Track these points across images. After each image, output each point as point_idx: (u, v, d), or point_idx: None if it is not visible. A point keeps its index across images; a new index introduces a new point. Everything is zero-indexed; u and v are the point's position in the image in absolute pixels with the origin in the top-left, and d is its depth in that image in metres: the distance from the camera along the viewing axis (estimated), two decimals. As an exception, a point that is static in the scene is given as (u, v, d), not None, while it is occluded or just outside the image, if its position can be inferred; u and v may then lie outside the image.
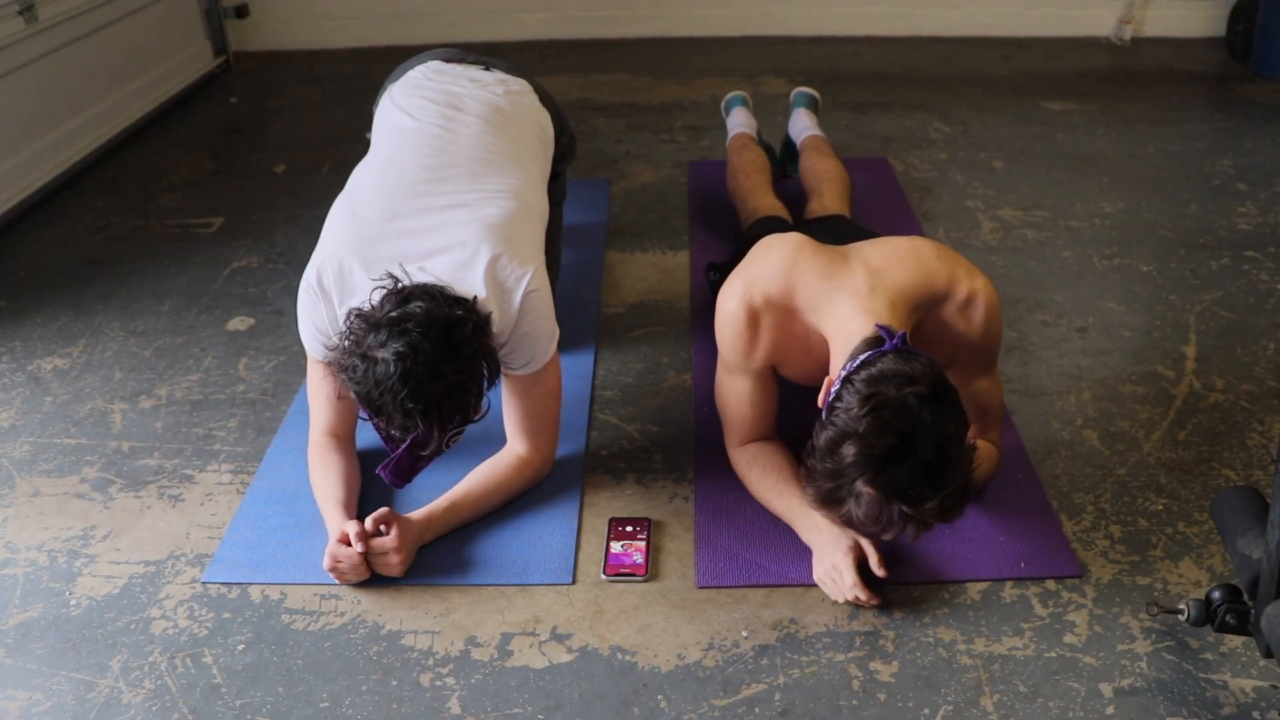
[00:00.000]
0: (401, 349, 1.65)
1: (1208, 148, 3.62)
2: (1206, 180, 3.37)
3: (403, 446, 1.75)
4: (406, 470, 1.79)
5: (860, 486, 1.59)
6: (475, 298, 1.80)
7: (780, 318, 1.87)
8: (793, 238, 1.92)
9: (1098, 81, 4.32)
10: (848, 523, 1.68)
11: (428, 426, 1.69)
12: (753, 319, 1.88)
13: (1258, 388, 2.34)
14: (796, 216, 2.74)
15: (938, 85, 4.30)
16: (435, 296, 1.73)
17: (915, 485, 1.57)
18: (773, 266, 1.87)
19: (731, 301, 1.89)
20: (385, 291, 1.74)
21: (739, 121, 3.23)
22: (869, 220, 2.82)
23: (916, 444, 1.57)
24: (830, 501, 1.64)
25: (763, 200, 2.76)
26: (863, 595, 1.75)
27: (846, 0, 4.93)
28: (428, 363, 1.66)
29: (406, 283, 1.76)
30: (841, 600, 1.78)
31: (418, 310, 1.69)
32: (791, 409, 2.05)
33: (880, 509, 1.60)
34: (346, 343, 1.72)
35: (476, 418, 1.79)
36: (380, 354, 1.66)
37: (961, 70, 4.50)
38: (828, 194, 2.76)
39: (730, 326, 1.90)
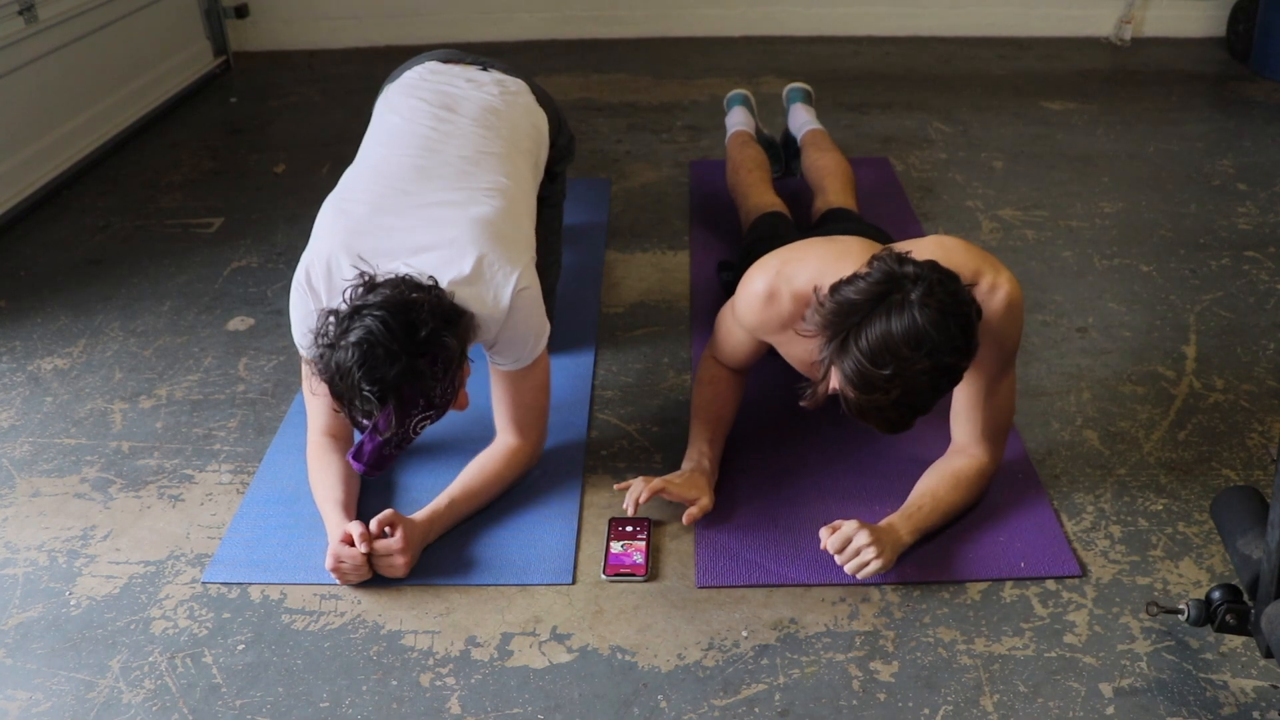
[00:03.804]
0: (360, 335, 1.67)
1: (1208, 148, 3.62)
2: (1206, 180, 3.37)
3: (367, 433, 1.75)
4: (374, 459, 1.78)
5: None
6: (435, 280, 1.80)
7: (800, 308, 1.86)
8: (849, 240, 1.94)
9: (1098, 81, 4.32)
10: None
11: (388, 411, 1.70)
12: (770, 301, 1.89)
13: (1258, 388, 2.33)
14: (801, 215, 2.74)
15: (938, 85, 4.30)
16: (398, 284, 1.74)
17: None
18: (811, 262, 1.88)
19: (759, 282, 1.91)
20: (353, 285, 1.76)
21: (738, 120, 3.25)
22: (869, 220, 2.82)
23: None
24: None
25: (763, 197, 2.77)
26: (868, 544, 1.77)
27: (846, 0, 4.93)
28: (384, 345, 1.67)
29: (377, 275, 1.77)
30: (863, 564, 1.78)
31: (377, 298, 1.71)
32: (785, 397, 2.05)
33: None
34: (319, 339, 1.73)
35: (446, 404, 1.77)
36: (342, 343, 1.68)
37: (961, 70, 4.50)
38: (831, 190, 2.77)
39: (749, 300, 1.93)
